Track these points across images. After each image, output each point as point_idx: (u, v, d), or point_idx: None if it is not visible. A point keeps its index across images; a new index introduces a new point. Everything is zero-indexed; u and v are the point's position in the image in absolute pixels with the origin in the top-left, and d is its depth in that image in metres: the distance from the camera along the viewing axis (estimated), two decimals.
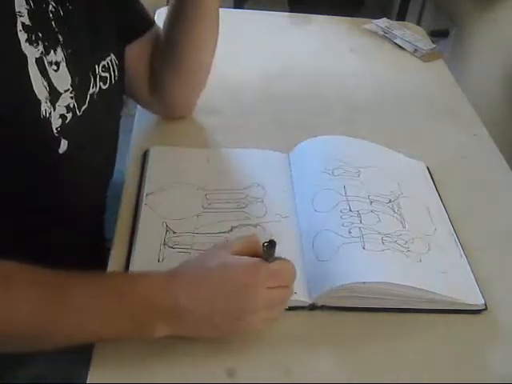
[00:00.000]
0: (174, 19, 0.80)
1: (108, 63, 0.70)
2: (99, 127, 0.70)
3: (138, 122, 0.90)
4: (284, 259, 0.58)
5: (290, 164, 0.81)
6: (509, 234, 0.77)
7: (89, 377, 0.55)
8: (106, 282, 0.56)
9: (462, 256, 0.70)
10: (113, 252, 0.66)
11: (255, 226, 0.70)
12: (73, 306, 0.53)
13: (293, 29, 1.24)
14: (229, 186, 0.76)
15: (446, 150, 0.91)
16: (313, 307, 0.63)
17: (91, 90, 0.67)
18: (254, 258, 0.56)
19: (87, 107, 0.66)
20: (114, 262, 0.65)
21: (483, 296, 0.65)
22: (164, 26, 0.82)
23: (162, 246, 0.66)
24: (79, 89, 0.64)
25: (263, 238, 0.68)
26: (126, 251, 0.66)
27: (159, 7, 1.11)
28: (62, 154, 0.62)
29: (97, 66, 0.68)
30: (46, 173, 0.63)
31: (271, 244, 0.56)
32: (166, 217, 0.70)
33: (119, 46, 0.75)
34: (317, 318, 0.62)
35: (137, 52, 0.80)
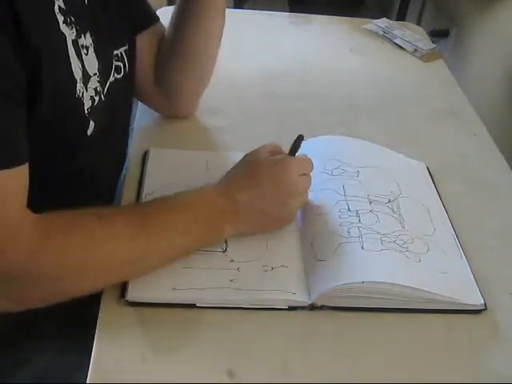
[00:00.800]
0: (181, 11, 0.81)
1: (122, 53, 0.72)
2: (116, 114, 0.72)
3: (139, 122, 0.90)
4: (303, 155, 0.71)
5: None
6: (508, 234, 0.77)
7: (89, 377, 0.55)
8: (175, 204, 0.65)
9: (461, 256, 0.70)
10: None
11: None
12: (160, 228, 0.61)
13: (293, 29, 1.24)
14: None
15: (446, 150, 0.91)
16: (313, 307, 0.63)
17: (111, 78, 0.70)
18: (285, 155, 0.70)
19: (107, 93, 0.68)
20: None
21: (483, 296, 0.65)
22: (172, 18, 0.83)
23: None
24: (103, 74, 0.67)
25: (261, 239, 0.68)
26: None
27: (160, 7, 1.11)
28: (90, 135, 0.66)
29: (112, 55, 0.70)
30: (74, 155, 0.66)
31: (300, 137, 0.71)
32: None
33: (132, 38, 0.77)
34: (317, 318, 0.62)
35: (141, 47, 0.81)
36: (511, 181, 0.87)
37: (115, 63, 0.71)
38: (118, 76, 0.72)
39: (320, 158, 0.78)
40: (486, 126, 0.98)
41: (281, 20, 1.27)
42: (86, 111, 0.64)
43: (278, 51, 1.14)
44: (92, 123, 0.65)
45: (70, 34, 0.61)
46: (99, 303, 0.61)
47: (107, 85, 0.69)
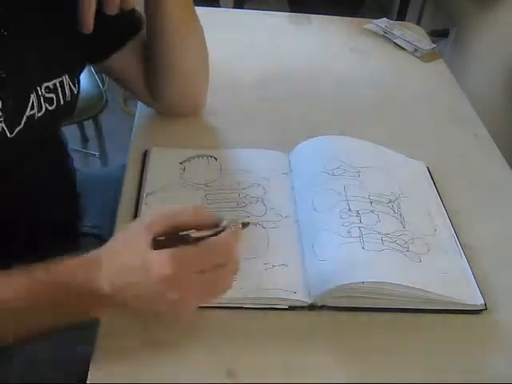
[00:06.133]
0: (148, 32, 0.79)
1: (56, 84, 0.70)
2: (44, 146, 0.72)
3: (138, 122, 0.90)
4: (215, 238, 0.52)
5: (290, 164, 0.81)
6: (508, 234, 0.77)
7: (89, 377, 0.55)
8: (34, 282, 0.54)
9: (461, 256, 0.70)
10: None
11: (255, 224, 0.70)
12: (9, 311, 0.54)
13: (293, 29, 1.24)
14: (229, 186, 0.76)
15: (447, 150, 0.91)
16: (313, 307, 0.63)
17: (30, 112, 0.66)
18: (173, 249, 0.51)
19: (22, 128, 0.65)
20: None
21: (483, 296, 0.65)
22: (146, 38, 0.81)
23: None
24: (13, 111, 0.64)
25: (262, 238, 0.68)
26: None
27: None
28: None
29: (39, 88, 0.67)
30: None
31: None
32: None
33: (76, 65, 0.75)
34: (317, 318, 0.62)
35: (129, 56, 0.80)
36: (511, 181, 0.87)
37: (46, 95, 0.68)
38: (51, 107, 0.69)
39: (321, 157, 0.79)
40: (486, 126, 0.98)
41: (281, 20, 1.27)
42: None
43: (277, 51, 1.13)
44: None
45: None
46: None
47: (23, 119, 0.65)
